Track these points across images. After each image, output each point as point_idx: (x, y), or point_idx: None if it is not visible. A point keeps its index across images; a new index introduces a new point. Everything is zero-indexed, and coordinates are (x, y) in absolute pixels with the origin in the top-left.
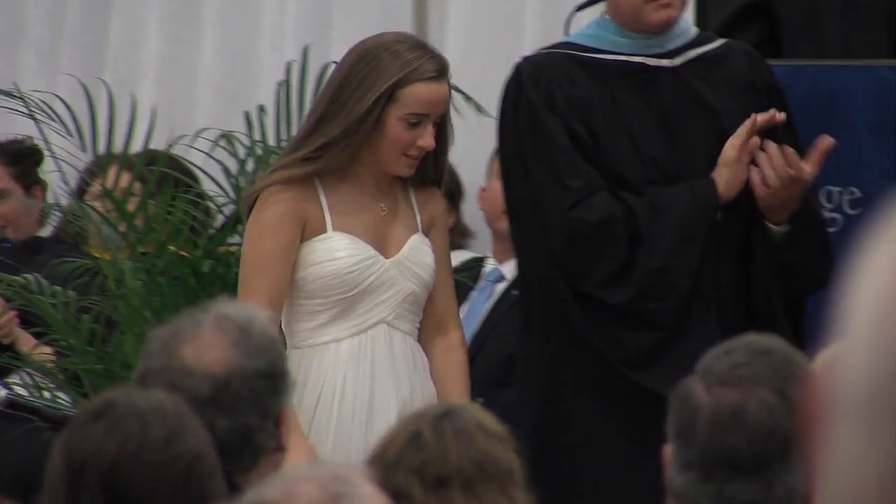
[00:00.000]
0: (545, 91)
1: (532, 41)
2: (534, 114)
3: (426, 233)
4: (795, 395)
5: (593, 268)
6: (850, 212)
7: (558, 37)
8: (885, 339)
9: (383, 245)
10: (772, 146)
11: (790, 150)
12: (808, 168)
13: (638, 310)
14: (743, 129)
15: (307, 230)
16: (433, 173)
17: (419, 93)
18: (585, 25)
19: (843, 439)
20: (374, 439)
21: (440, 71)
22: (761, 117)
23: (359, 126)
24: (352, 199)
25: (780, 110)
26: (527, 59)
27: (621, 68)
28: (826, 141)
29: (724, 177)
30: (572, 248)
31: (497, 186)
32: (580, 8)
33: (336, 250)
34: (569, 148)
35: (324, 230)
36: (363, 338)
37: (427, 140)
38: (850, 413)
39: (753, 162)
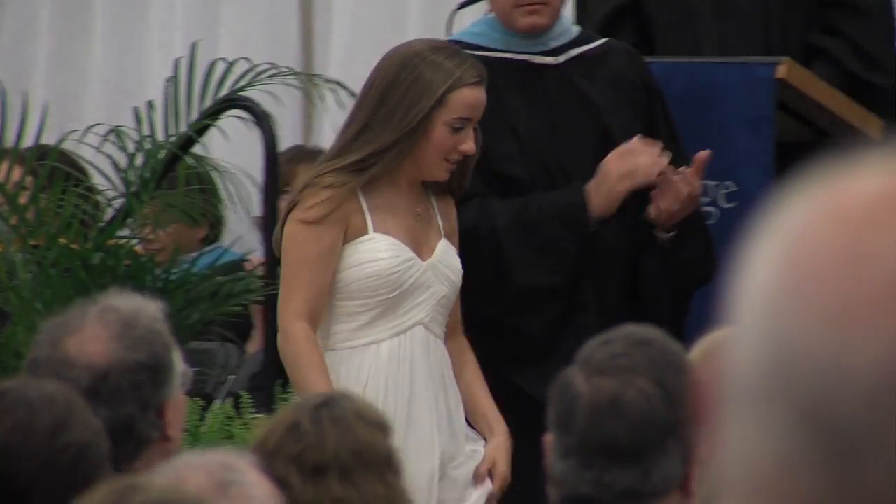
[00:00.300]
0: None
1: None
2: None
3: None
4: (672, 384)
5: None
6: (726, 205)
7: (441, 34)
8: (772, 326)
9: (419, 248)
10: (672, 175)
11: (687, 171)
12: (696, 182)
13: (507, 325)
14: (625, 147)
15: (349, 232)
16: (458, 183)
17: (466, 97)
18: (472, 24)
19: (735, 426)
20: (414, 441)
21: (482, 76)
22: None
23: (413, 132)
24: (390, 201)
25: (658, 108)
26: None
27: (507, 66)
28: (705, 153)
29: (603, 193)
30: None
31: None
32: (462, 6)
33: (379, 251)
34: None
35: (365, 232)
36: (402, 339)
37: (469, 144)
38: (740, 400)
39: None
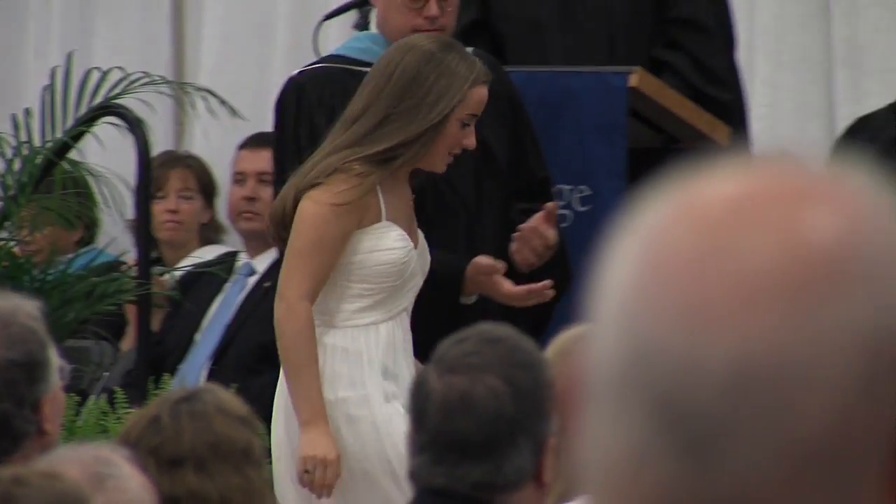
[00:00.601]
0: (328, 107)
1: (283, 48)
2: (315, 133)
3: None
4: (522, 382)
5: None
6: (580, 208)
7: (308, 45)
8: (629, 323)
9: (412, 236)
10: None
11: (540, 223)
12: (552, 233)
13: None
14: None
15: (365, 219)
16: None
17: (480, 94)
18: (354, 39)
19: (595, 420)
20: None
21: (489, 76)
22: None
23: (437, 126)
24: (395, 189)
25: (519, 116)
26: (304, 74)
27: None
28: (552, 205)
29: (477, 284)
30: None
31: (235, 191)
32: (328, 17)
33: (394, 240)
34: None
35: (379, 219)
36: (394, 323)
37: (471, 140)
38: (599, 395)
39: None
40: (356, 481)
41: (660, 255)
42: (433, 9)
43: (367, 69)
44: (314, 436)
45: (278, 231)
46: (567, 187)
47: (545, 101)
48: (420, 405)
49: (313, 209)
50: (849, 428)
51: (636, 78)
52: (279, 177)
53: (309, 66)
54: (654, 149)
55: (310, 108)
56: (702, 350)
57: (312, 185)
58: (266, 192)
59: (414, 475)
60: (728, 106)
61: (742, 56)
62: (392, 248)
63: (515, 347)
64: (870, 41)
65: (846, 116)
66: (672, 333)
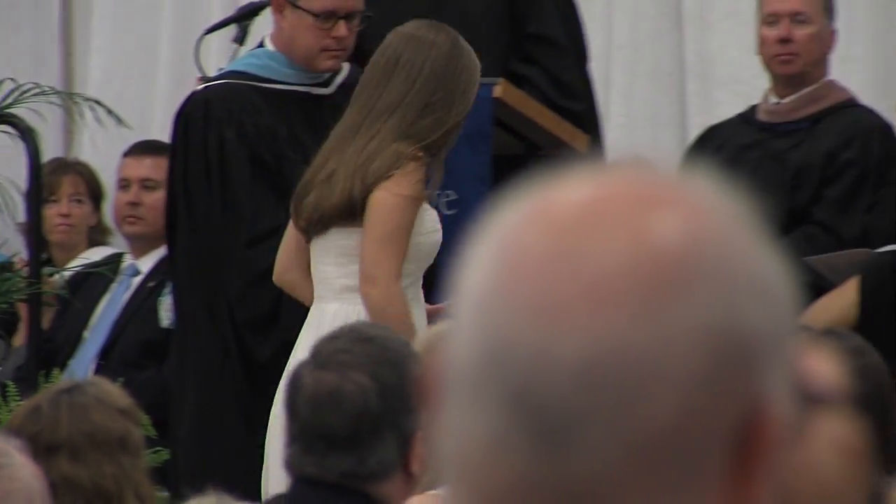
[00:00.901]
0: (237, 122)
1: (166, 61)
2: (224, 145)
3: None
4: (388, 379)
5: (257, 304)
6: (447, 212)
7: (190, 59)
8: (486, 320)
9: None
10: None
11: None
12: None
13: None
14: None
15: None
16: None
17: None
18: (251, 56)
19: (453, 412)
20: None
21: None
22: None
23: (465, 115)
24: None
25: None
26: (210, 90)
27: (293, 97)
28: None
29: None
30: (243, 284)
31: (120, 197)
32: (208, 32)
33: (434, 222)
34: (254, 184)
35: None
36: (417, 305)
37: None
38: (458, 388)
39: None
40: None
41: (515, 256)
42: (342, 30)
43: (270, 85)
44: None
45: (341, 216)
46: (435, 191)
47: None
48: (293, 398)
49: (393, 201)
50: (691, 421)
51: (500, 89)
52: (174, 184)
53: (212, 82)
54: (518, 156)
55: (219, 121)
56: (554, 347)
57: (382, 177)
58: (149, 197)
59: (287, 463)
60: (581, 116)
61: (600, 68)
62: (432, 230)
63: (384, 346)
64: (719, 54)
65: (697, 126)
66: (526, 331)
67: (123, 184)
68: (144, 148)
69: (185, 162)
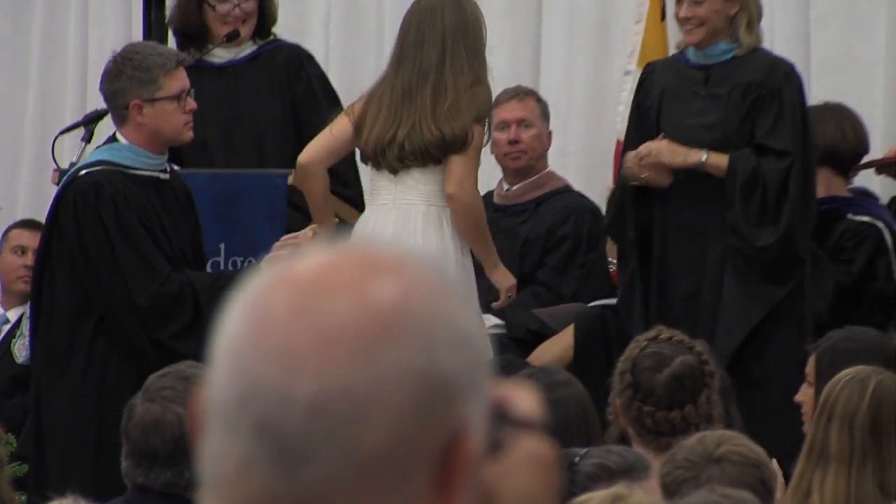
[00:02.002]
0: (122, 197)
1: (29, 157)
2: (119, 215)
3: None
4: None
5: (168, 325)
6: None
7: (47, 154)
8: (236, 364)
9: None
10: None
11: None
12: None
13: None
14: None
15: None
16: None
17: None
18: (111, 150)
19: (211, 438)
20: None
21: None
22: None
23: None
24: None
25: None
26: (92, 174)
27: (148, 180)
28: None
29: None
30: (155, 311)
31: (14, 260)
32: (62, 132)
33: None
34: (149, 240)
35: None
36: None
37: None
38: (215, 418)
39: None
40: None
41: (262, 312)
42: (192, 103)
43: (131, 171)
44: (504, 271)
45: (437, 151)
46: (240, 258)
47: (226, 194)
48: (127, 423)
49: (480, 133)
50: (402, 444)
51: (292, 178)
52: (56, 251)
53: (89, 169)
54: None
55: (111, 197)
56: (291, 386)
57: (472, 124)
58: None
59: (123, 474)
60: (351, 200)
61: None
62: None
63: (199, 383)
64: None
65: None
66: (268, 374)
67: (19, 250)
68: (26, 224)
69: (78, 232)
